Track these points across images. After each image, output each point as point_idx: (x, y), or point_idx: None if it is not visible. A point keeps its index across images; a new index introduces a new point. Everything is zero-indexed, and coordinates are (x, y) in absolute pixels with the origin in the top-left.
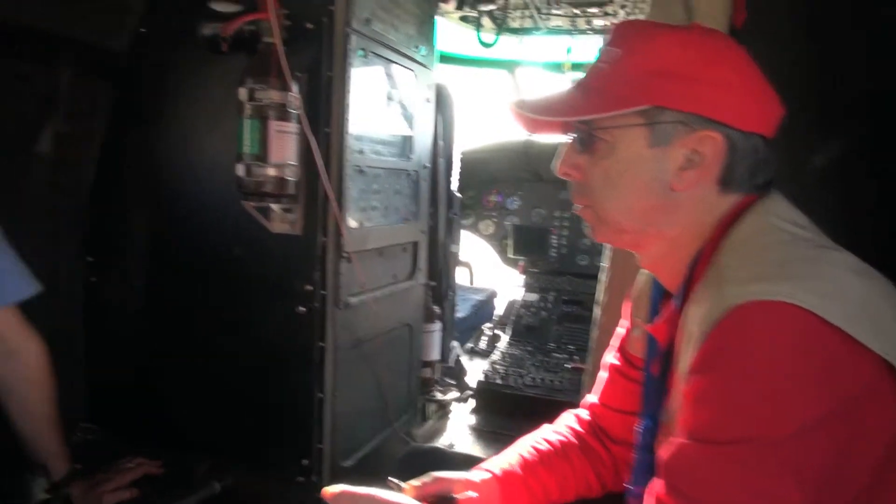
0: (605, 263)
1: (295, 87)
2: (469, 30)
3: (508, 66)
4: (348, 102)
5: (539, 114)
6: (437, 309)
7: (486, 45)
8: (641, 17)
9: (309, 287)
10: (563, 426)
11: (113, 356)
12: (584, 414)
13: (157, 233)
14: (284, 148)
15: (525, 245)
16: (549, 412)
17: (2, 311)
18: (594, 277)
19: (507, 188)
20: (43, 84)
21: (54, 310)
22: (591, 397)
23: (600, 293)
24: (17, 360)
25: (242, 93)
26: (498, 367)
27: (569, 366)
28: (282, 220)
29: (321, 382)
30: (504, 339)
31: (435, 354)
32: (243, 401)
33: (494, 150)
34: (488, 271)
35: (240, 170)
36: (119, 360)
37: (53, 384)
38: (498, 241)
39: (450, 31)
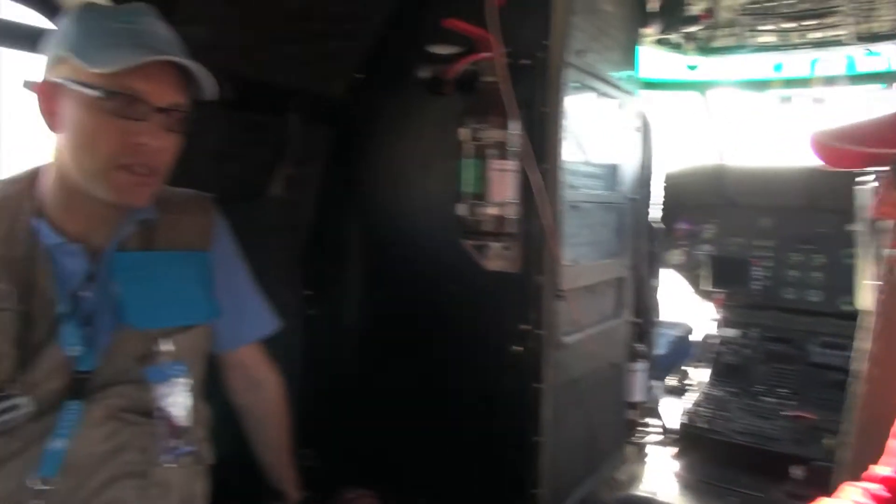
0: (870, 307)
1: (515, 125)
2: (665, 53)
3: (701, 87)
4: (563, 137)
5: (855, 145)
6: (640, 347)
7: (692, 68)
8: (874, 25)
9: (525, 326)
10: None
11: (328, 386)
12: (878, 489)
13: (371, 268)
14: (505, 186)
15: (723, 276)
16: (763, 464)
17: (249, 346)
18: (805, 313)
19: (698, 215)
20: (274, 132)
21: (280, 341)
22: (884, 470)
23: (865, 341)
24: (261, 391)
25: (464, 133)
26: (701, 409)
27: (787, 413)
28: (498, 258)
29: (538, 425)
30: (700, 377)
31: (639, 395)
32: (458, 441)
33: (683, 176)
34: (672, 303)
35: (461, 209)
36: (333, 390)
37: (289, 414)
38: (689, 271)
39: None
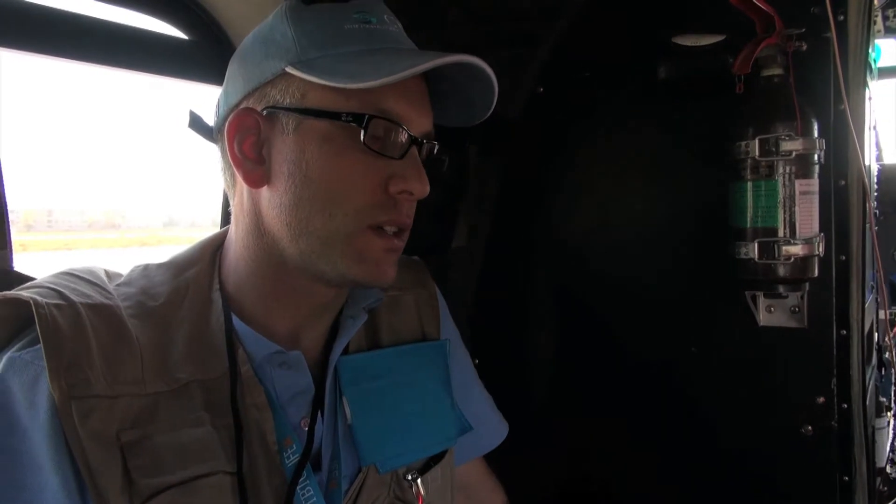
0: None
1: (816, 130)
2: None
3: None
4: (866, 142)
5: None
6: (884, 399)
7: None
8: None
9: (821, 399)
10: None
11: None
12: None
13: (558, 327)
14: (812, 214)
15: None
16: None
17: (475, 460)
18: None
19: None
20: (454, 169)
21: None
22: None
23: None
24: None
25: (746, 147)
26: None
27: None
28: (779, 310)
29: None
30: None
31: (884, 459)
32: None
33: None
34: None
35: (742, 250)
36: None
37: None
38: None
39: None
